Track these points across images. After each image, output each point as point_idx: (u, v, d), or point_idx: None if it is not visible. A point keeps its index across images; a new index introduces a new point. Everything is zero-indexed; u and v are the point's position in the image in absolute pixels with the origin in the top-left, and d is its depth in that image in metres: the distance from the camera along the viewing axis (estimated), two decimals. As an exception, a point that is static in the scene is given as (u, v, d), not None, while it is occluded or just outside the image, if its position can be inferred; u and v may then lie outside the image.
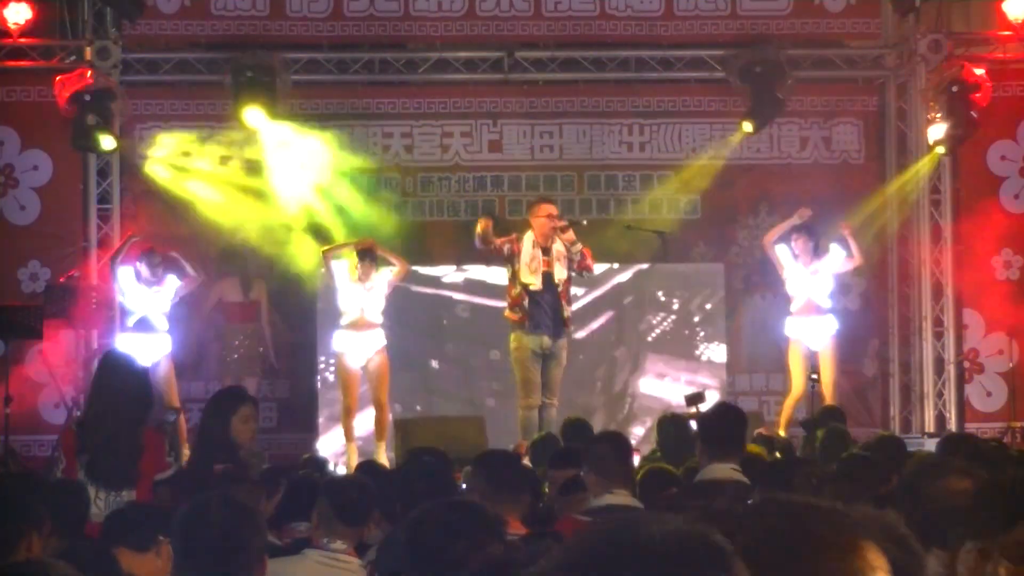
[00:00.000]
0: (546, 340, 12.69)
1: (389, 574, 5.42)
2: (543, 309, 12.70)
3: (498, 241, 12.77)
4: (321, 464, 9.40)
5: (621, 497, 6.59)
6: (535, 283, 12.66)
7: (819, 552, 2.41)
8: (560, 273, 12.74)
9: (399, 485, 6.85)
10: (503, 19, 15.64)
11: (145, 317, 13.79)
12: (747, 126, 15.33)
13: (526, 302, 12.68)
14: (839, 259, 14.13)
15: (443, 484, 6.66)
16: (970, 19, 16.09)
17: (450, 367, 15.13)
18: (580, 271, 12.93)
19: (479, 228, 12.82)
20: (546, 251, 12.74)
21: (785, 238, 14.16)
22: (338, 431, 14.19)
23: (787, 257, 14.09)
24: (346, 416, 13.63)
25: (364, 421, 14.02)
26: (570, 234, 12.74)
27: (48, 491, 6.33)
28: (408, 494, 6.42)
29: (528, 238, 12.77)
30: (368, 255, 13.46)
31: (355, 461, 12.58)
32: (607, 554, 1.99)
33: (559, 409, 12.80)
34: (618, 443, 7.07)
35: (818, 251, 14.05)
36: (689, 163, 15.81)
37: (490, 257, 13.56)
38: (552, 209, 12.96)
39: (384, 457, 12.64)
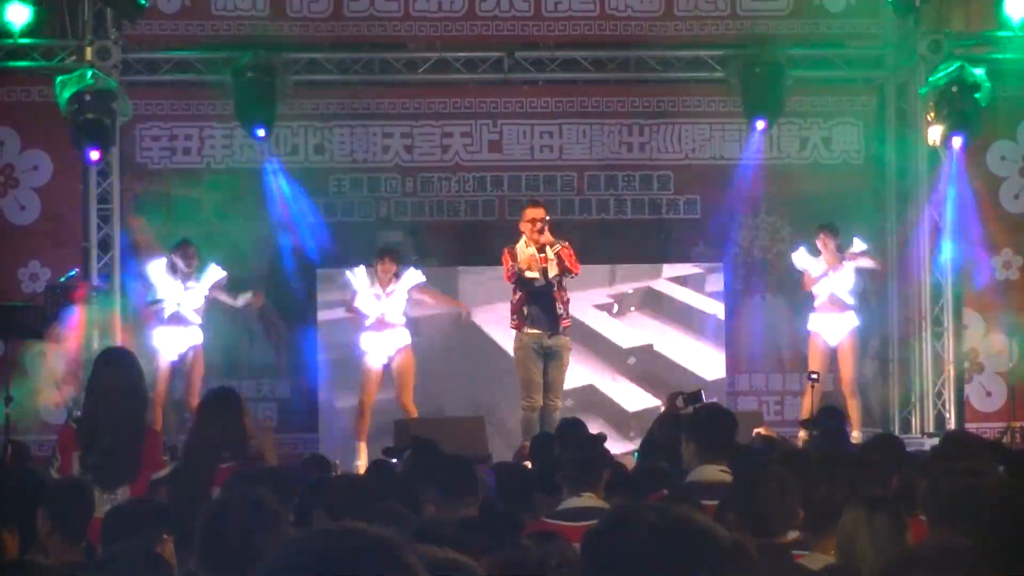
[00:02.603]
0: (545, 340, 12.71)
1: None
2: (543, 306, 12.74)
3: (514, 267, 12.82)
4: (323, 464, 9.36)
5: (589, 500, 6.64)
6: (538, 277, 12.71)
7: None
8: (552, 270, 12.81)
9: (401, 483, 6.86)
10: (503, 19, 15.64)
11: (176, 312, 13.98)
12: (760, 124, 15.24)
13: (525, 308, 12.73)
14: (860, 249, 14.25)
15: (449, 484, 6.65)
16: (970, 19, 16.08)
17: (450, 366, 15.13)
18: (562, 273, 12.90)
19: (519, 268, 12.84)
20: (541, 249, 12.81)
21: (806, 244, 14.31)
22: (339, 432, 14.22)
23: (806, 261, 14.18)
24: (359, 413, 13.71)
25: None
26: (546, 235, 12.82)
27: (51, 492, 6.31)
28: (413, 493, 6.43)
29: (522, 241, 12.87)
30: (387, 252, 13.69)
31: (365, 461, 12.63)
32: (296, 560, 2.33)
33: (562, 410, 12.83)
34: (588, 447, 7.09)
35: (841, 249, 14.16)
36: (689, 163, 15.83)
37: (490, 257, 13.62)
38: (535, 213, 12.97)
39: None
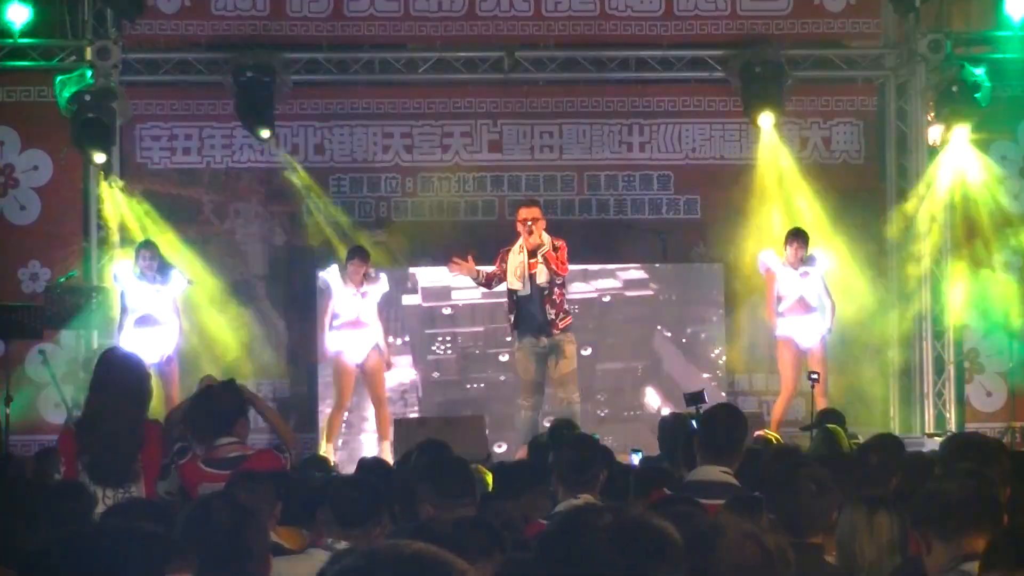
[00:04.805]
0: (543, 339, 12.67)
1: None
2: (530, 313, 12.70)
3: (487, 272, 12.82)
4: (323, 464, 9.36)
5: (586, 502, 6.63)
6: (520, 287, 12.66)
7: None
8: (541, 276, 12.67)
9: (400, 484, 6.86)
10: (503, 19, 15.64)
11: (148, 314, 13.71)
12: (765, 120, 15.17)
13: (513, 315, 12.74)
14: (825, 265, 14.11)
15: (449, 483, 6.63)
16: (970, 19, 16.08)
17: (449, 367, 15.14)
18: (552, 276, 12.77)
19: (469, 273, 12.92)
20: (532, 254, 12.70)
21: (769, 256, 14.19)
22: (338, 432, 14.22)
23: (775, 263, 14.06)
24: (336, 413, 13.70)
25: (361, 422, 14.08)
26: (536, 236, 12.67)
27: (49, 494, 6.31)
28: (410, 493, 6.42)
29: (518, 244, 12.79)
30: (357, 253, 13.66)
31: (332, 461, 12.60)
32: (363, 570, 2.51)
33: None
34: (583, 449, 7.09)
35: (808, 259, 14.02)
36: (689, 163, 15.84)
37: (491, 257, 13.61)
38: (527, 213, 12.80)
39: (389, 456, 12.66)
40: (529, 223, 12.66)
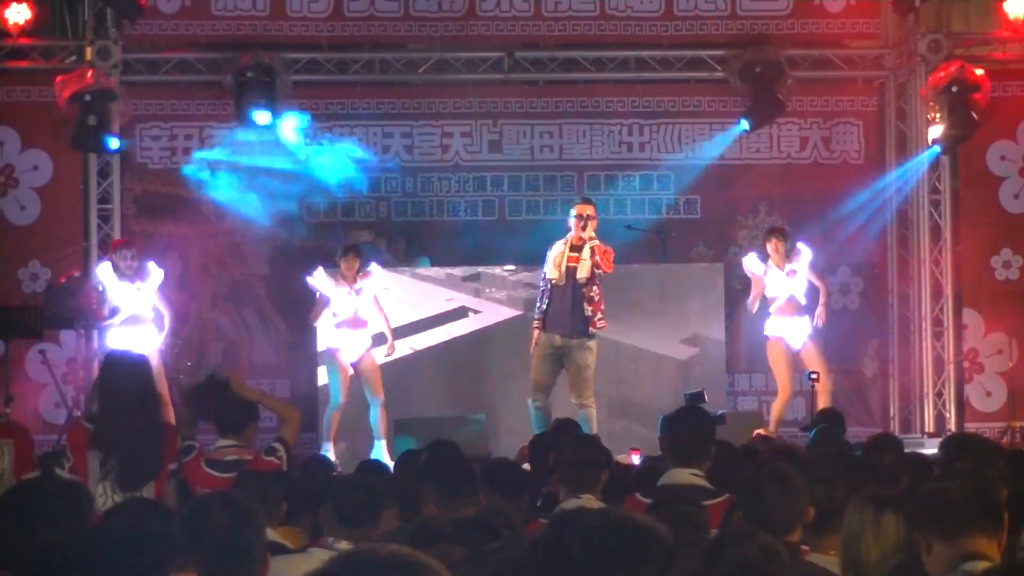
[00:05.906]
0: (557, 339, 12.55)
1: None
2: (560, 308, 12.56)
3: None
4: (326, 465, 9.35)
5: (588, 502, 6.64)
6: (555, 275, 12.55)
7: None
8: (582, 271, 12.54)
9: (400, 484, 6.87)
10: (503, 19, 15.65)
11: (136, 314, 13.58)
12: (744, 124, 15.36)
13: (545, 303, 12.58)
14: (809, 257, 14.05)
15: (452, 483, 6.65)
16: (970, 19, 16.10)
17: (449, 367, 15.12)
18: (593, 272, 12.69)
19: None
20: (576, 248, 12.58)
21: (756, 249, 14.16)
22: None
23: (757, 265, 14.02)
24: (335, 411, 13.65)
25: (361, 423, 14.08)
26: (588, 233, 12.56)
27: (47, 494, 6.29)
28: (412, 493, 6.43)
29: (563, 238, 12.68)
30: (350, 251, 13.58)
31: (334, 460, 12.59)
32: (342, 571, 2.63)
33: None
34: (583, 449, 7.09)
35: (791, 253, 13.99)
36: (689, 163, 15.84)
37: (490, 257, 13.61)
38: (583, 209, 12.62)
39: (387, 455, 12.64)
40: (585, 216, 12.57)
